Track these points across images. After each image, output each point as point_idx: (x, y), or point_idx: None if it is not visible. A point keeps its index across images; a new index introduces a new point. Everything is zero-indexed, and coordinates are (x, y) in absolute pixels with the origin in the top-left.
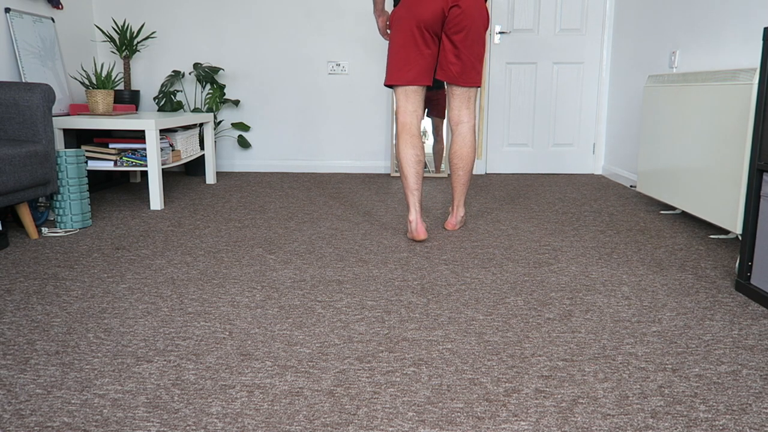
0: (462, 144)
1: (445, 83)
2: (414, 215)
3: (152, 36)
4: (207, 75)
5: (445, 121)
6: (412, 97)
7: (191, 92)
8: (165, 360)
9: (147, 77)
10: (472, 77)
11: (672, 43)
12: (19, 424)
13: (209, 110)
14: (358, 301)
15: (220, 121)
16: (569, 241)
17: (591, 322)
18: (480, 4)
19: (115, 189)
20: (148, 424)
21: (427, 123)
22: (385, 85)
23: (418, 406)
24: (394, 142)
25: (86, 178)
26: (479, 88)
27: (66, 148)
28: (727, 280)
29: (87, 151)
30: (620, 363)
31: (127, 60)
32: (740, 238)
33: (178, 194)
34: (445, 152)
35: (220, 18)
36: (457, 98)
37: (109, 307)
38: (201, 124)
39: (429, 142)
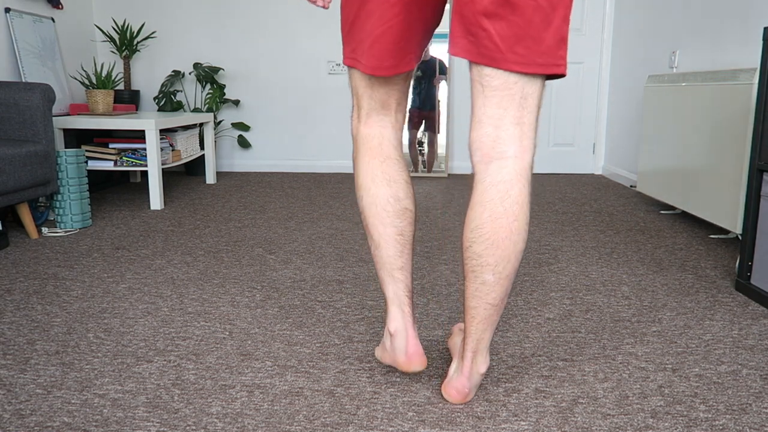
0: (499, 211)
1: (442, 78)
2: (398, 322)
3: (152, 36)
4: (207, 75)
5: (437, 134)
6: (381, 84)
7: (191, 92)
8: (165, 360)
9: (147, 77)
10: (547, 50)
11: (672, 43)
12: (19, 424)
13: (209, 110)
14: (358, 301)
15: (220, 121)
16: (569, 241)
17: (591, 322)
18: None
19: (115, 189)
20: (148, 424)
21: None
22: (345, 64)
23: (418, 406)
24: None
25: (86, 178)
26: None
27: (66, 148)
28: (727, 280)
29: (87, 151)
30: (620, 363)
31: (127, 60)
32: (740, 238)
33: (178, 194)
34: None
35: (220, 18)
36: (493, 99)
37: (109, 307)
38: (201, 124)
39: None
